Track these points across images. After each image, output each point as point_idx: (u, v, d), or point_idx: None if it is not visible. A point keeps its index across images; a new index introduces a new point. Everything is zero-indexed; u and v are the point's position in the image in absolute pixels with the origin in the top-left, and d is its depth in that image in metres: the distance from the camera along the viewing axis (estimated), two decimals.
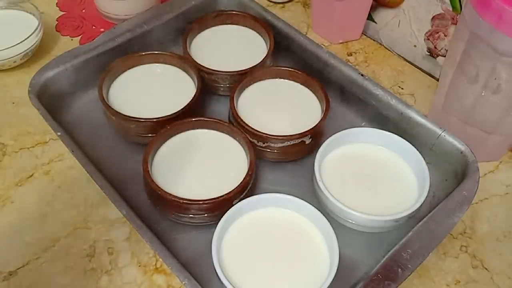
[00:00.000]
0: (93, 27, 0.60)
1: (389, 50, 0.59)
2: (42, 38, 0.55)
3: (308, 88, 0.48)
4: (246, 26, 0.54)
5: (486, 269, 0.41)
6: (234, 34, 0.54)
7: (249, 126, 0.43)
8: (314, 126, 0.44)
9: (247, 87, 0.48)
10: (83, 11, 0.62)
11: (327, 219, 0.38)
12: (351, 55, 0.59)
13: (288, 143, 0.43)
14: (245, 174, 0.41)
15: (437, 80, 0.54)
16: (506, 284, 0.40)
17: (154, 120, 0.44)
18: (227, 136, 0.44)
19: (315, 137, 0.44)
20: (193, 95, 0.46)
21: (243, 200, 0.39)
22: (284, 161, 0.46)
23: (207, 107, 0.50)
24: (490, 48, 0.38)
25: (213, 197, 0.39)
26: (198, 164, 0.43)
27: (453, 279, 0.41)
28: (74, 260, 0.41)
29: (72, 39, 0.59)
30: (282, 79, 0.49)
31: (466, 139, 0.43)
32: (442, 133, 0.43)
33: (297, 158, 0.46)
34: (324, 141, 0.43)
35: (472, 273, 0.41)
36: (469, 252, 0.42)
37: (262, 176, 0.45)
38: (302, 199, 0.39)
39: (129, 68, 0.49)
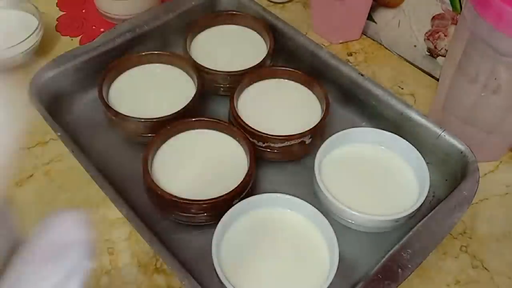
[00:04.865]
0: (93, 27, 0.60)
1: (389, 50, 0.59)
2: (42, 38, 0.55)
3: (308, 88, 0.48)
4: (246, 26, 0.54)
5: (486, 269, 0.41)
6: (234, 34, 0.54)
7: (249, 126, 0.43)
8: (314, 126, 0.43)
9: (247, 87, 0.48)
10: (83, 11, 0.62)
11: (327, 219, 0.38)
12: (351, 55, 0.58)
13: (288, 143, 0.43)
14: (245, 174, 0.41)
15: (437, 80, 0.54)
16: (506, 284, 0.40)
17: (154, 120, 0.44)
18: (227, 136, 0.44)
19: (315, 137, 0.44)
20: (193, 95, 0.46)
21: (243, 200, 0.39)
22: (284, 161, 0.46)
23: (207, 107, 0.50)
24: (490, 48, 0.38)
25: (213, 197, 0.39)
26: (198, 164, 0.43)
27: (453, 279, 0.41)
28: None
29: (72, 39, 0.59)
30: (282, 79, 0.49)
31: (466, 139, 0.43)
32: (442, 133, 0.43)
33: (297, 158, 0.46)
34: (324, 141, 0.43)
35: (472, 273, 0.41)
36: (469, 252, 0.42)
37: (262, 176, 0.45)
38: (302, 199, 0.39)
39: (129, 68, 0.49)
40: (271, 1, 0.64)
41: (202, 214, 0.40)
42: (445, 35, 0.52)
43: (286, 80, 0.49)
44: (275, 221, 0.39)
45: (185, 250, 0.40)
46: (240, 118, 0.44)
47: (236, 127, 0.44)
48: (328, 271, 0.36)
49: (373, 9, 0.57)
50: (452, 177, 0.43)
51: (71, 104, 0.49)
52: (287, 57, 0.53)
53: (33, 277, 0.18)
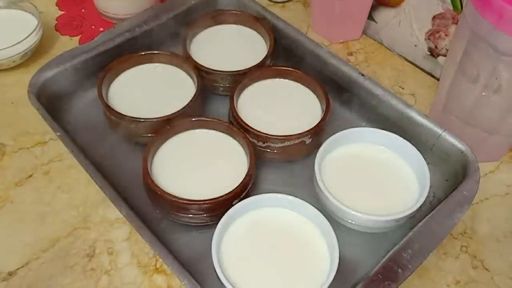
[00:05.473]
0: (93, 26, 0.60)
1: (389, 50, 0.59)
2: (42, 37, 0.55)
3: (308, 88, 0.48)
4: (246, 26, 0.54)
5: (486, 269, 0.41)
6: (234, 34, 0.54)
7: (249, 126, 0.43)
8: (314, 126, 0.43)
9: (247, 87, 0.48)
10: (83, 10, 0.62)
11: (327, 219, 0.38)
12: (352, 54, 0.58)
13: (288, 143, 0.43)
14: (245, 174, 0.40)
15: (438, 80, 0.54)
16: (507, 285, 0.40)
17: (154, 120, 0.44)
18: (227, 136, 0.44)
19: (315, 137, 0.44)
20: (193, 95, 0.46)
21: (243, 200, 0.39)
22: (284, 161, 0.46)
23: (207, 107, 0.50)
24: (491, 47, 0.38)
25: (213, 197, 0.39)
26: (198, 164, 0.43)
27: (453, 279, 0.41)
28: (74, 260, 0.40)
29: (71, 39, 0.59)
30: (282, 79, 0.49)
31: (467, 139, 0.43)
32: (443, 133, 0.43)
33: (297, 158, 0.46)
34: (324, 141, 0.43)
35: (473, 273, 0.41)
36: (470, 252, 0.42)
37: (262, 176, 0.45)
38: (302, 199, 0.39)
39: (128, 68, 0.49)
40: (271, 1, 0.64)
41: (202, 215, 0.39)
42: (446, 35, 0.52)
43: (286, 80, 0.49)
44: (275, 221, 0.39)
45: (185, 250, 0.40)
46: (240, 118, 0.44)
47: (236, 127, 0.44)
48: (328, 271, 0.36)
49: (373, 8, 0.57)
50: (453, 177, 0.43)
51: (70, 104, 0.49)
52: (287, 57, 0.53)
53: None
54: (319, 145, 0.42)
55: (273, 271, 0.36)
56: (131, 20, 0.52)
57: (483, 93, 0.42)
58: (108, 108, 0.44)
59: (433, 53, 0.55)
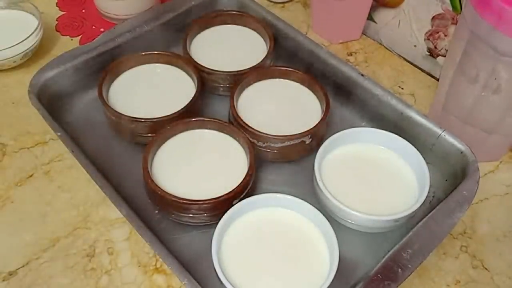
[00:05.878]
0: (93, 27, 0.60)
1: (389, 50, 0.59)
2: (42, 38, 0.55)
3: (308, 88, 0.48)
4: (246, 26, 0.54)
5: (486, 269, 0.41)
6: (234, 34, 0.54)
7: (249, 126, 0.43)
8: (314, 126, 0.44)
9: (247, 87, 0.48)
10: (83, 11, 0.62)
11: (327, 219, 0.38)
12: (351, 55, 0.59)
13: (288, 143, 0.43)
14: (245, 174, 0.41)
15: (437, 80, 0.54)
16: (506, 284, 0.40)
17: (154, 120, 0.44)
18: (227, 136, 0.44)
19: (315, 137, 0.44)
20: (193, 95, 0.46)
21: (243, 200, 0.39)
22: (284, 161, 0.46)
23: (207, 107, 0.50)
24: (490, 48, 0.38)
25: (213, 197, 0.39)
26: (198, 164, 0.43)
27: (453, 279, 0.41)
28: (74, 260, 0.41)
29: (72, 39, 0.59)
30: (282, 79, 0.49)
31: (466, 139, 0.43)
32: (442, 133, 0.43)
33: (297, 158, 0.46)
34: (324, 141, 0.43)
35: (472, 273, 0.41)
36: (469, 252, 0.42)
37: (262, 176, 0.45)
38: (302, 199, 0.39)
39: (129, 68, 0.49)
40: (271, 1, 0.64)
41: (202, 214, 0.40)
42: (445, 35, 0.52)
43: (286, 80, 0.49)
44: (275, 221, 0.39)
45: (185, 250, 0.40)
46: (240, 118, 0.44)
47: (236, 127, 0.44)
48: (328, 271, 0.36)
49: (373, 9, 0.57)
50: (452, 177, 0.43)
51: (71, 104, 0.49)
52: (287, 57, 0.53)
53: None
54: (319, 145, 0.43)
55: (273, 271, 0.36)
56: (132, 20, 0.52)
57: (483, 93, 0.42)
58: (109, 108, 0.44)
59: (433, 53, 0.55)
